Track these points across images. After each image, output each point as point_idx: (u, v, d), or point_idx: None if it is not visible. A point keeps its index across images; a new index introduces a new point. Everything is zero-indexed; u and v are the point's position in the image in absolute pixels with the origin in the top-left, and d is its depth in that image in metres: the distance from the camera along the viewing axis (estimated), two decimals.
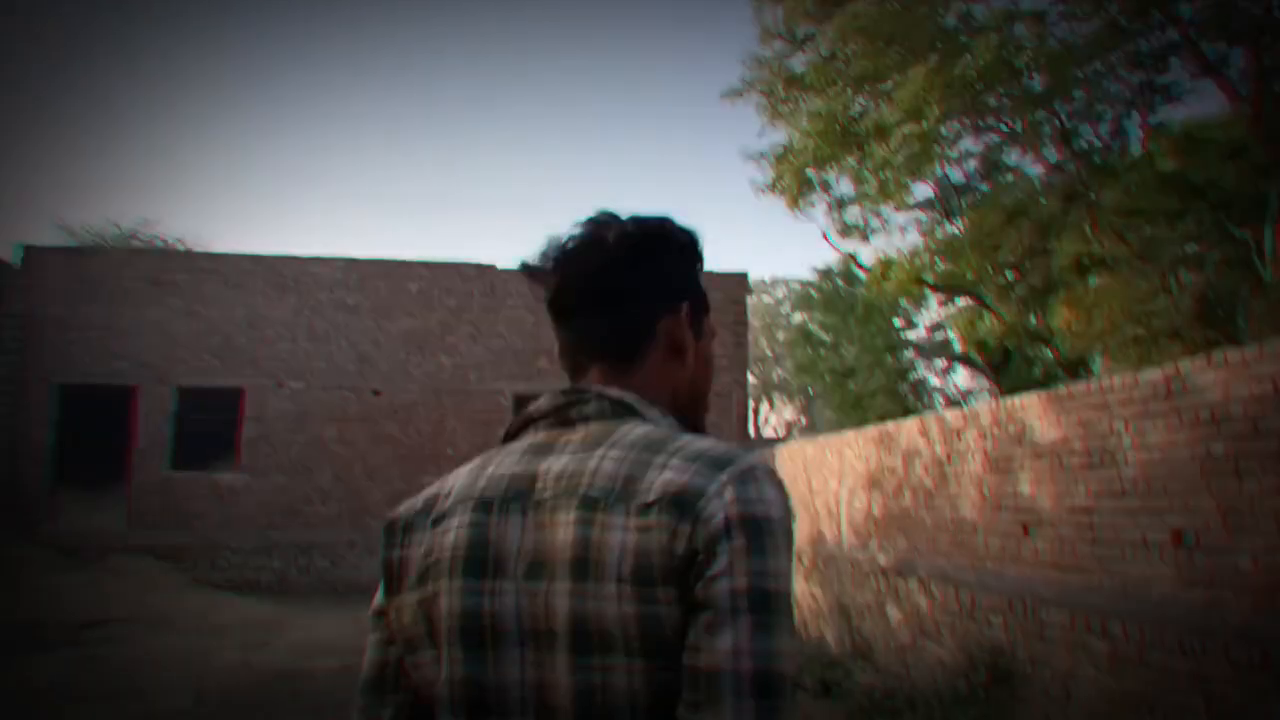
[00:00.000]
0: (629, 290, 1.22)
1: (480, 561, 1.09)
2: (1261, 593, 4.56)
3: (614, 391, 1.17)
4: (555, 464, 1.12)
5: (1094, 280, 13.96)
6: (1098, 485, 5.79)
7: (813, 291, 19.58)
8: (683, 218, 1.33)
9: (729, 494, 1.00)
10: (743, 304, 14.09)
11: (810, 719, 6.92)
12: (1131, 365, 12.58)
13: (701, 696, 0.95)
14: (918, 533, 8.09)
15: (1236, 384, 4.77)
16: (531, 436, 1.18)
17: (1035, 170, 13.84)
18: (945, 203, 13.83)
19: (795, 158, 13.25)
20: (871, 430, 9.38)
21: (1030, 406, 6.68)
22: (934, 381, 19.39)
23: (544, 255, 1.25)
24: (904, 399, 18.75)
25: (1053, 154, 14.66)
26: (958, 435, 7.55)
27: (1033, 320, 14.65)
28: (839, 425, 19.33)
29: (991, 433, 7.08)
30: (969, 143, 13.60)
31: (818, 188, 14.16)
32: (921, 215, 14.54)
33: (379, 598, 1.21)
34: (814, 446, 11.08)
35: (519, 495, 1.11)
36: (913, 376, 19.04)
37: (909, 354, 18.73)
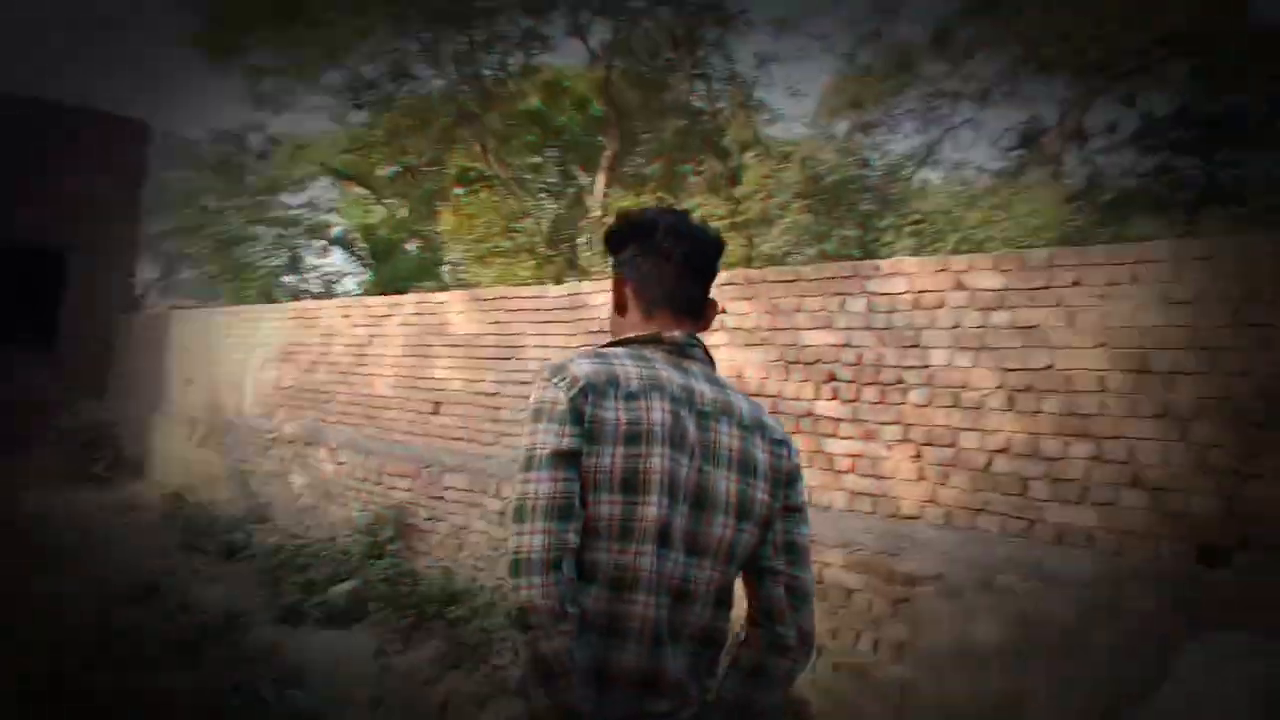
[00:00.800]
0: (715, 274, 1.76)
1: (679, 439, 1.53)
2: None
3: (705, 345, 1.70)
4: (700, 386, 1.61)
5: (474, 194, 15.23)
6: (503, 374, 6.77)
7: (207, 153, 18.09)
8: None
9: (795, 444, 1.75)
10: (142, 154, 12.56)
11: (220, 581, 6.93)
12: (496, 274, 14.11)
13: (796, 558, 1.64)
14: (330, 406, 8.41)
15: None
16: (659, 354, 1.65)
17: (440, 84, 14.58)
18: (358, 94, 13.90)
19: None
20: (293, 306, 9.37)
21: (451, 303, 7.42)
22: (314, 260, 19.38)
23: (679, 222, 1.77)
24: (282, 273, 18.47)
25: (453, 74, 15.44)
26: (380, 320, 8.01)
27: (422, 220, 15.61)
28: (220, 294, 18.34)
29: (413, 321, 7.68)
30: (386, 43, 13.77)
31: (241, 49, 13.16)
32: (335, 101, 14.40)
33: (571, 441, 1.49)
34: (224, 316, 10.66)
35: (689, 401, 1.57)
36: (293, 252, 18.80)
37: (294, 230, 18.42)
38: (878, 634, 4.34)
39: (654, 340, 1.67)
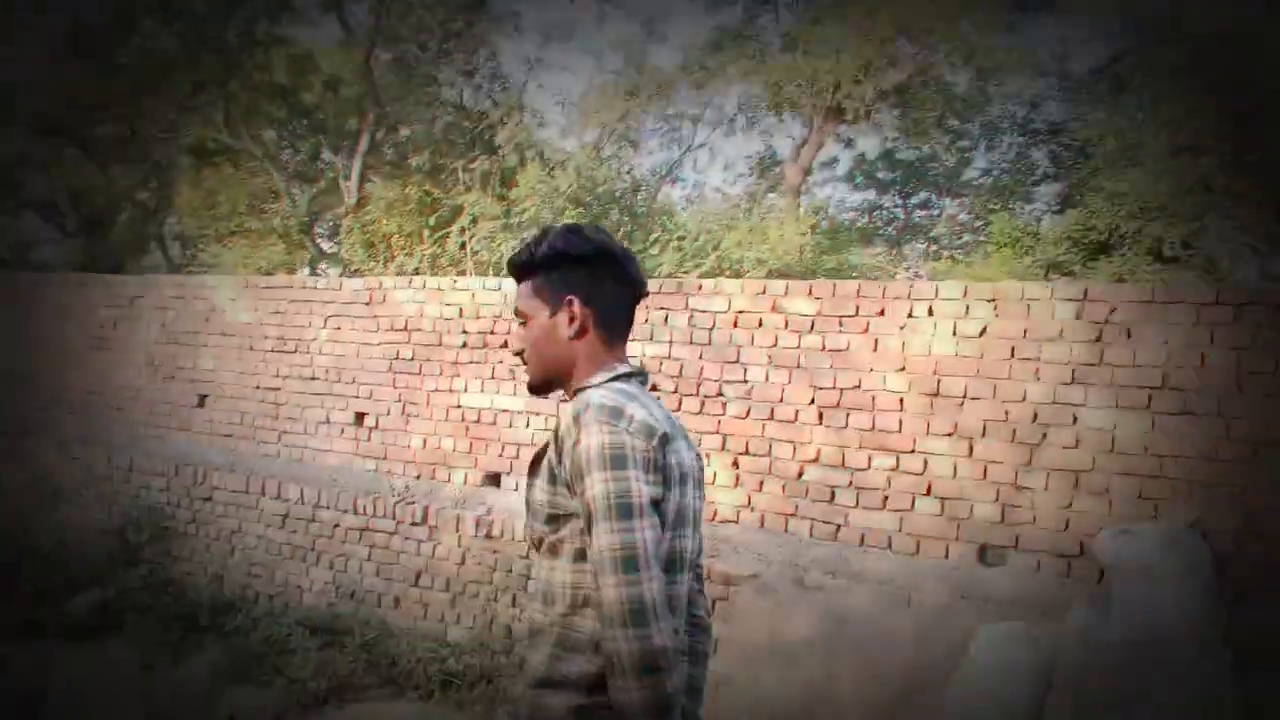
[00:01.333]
0: None
1: (698, 474, 1.65)
2: (423, 464, 5.73)
3: None
4: (673, 417, 1.66)
5: (214, 167, 13.96)
6: (288, 368, 6.30)
7: None
8: None
9: None
10: None
11: None
12: (241, 255, 13.04)
13: (701, 548, 1.75)
14: (63, 396, 7.38)
15: (430, 305, 5.82)
16: (639, 388, 1.65)
17: (176, 44, 13.19)
18: (77, 42, 12.21)
19: None
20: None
21: (222, 287, 6.78)
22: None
23: (625, 250, 1.72)
24: None
25: (190, 36, 14.03)
26: (131, 301, 7.14)
27: (150, 191, 14.01)
28: None
29: (174, 305, 6.93)
30: None
31: None
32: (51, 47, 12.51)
33: (656, 489, 1.50)
34: None
35: (683, 435, 1.63)
36: None
37: None
38: None
39: (638, 374, 1.69)
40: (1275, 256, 12.01)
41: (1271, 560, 3.50)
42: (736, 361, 4.70)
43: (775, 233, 10.18)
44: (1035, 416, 4.01)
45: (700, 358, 4.81)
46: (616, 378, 1.65)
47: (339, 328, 6.15)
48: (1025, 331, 4.06)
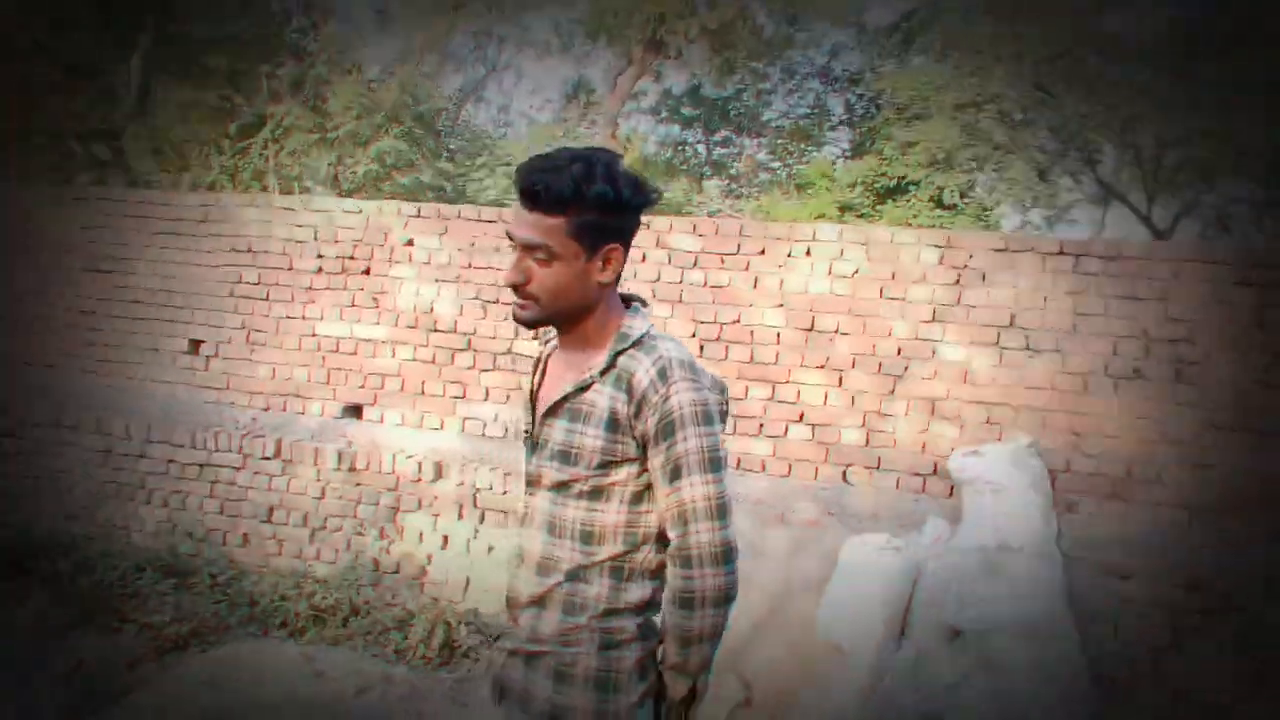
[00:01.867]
0: None
1: None
2: (272, 395, 5.42)
3: None
4: None
5: None
6: (106, 290, 5.70)
7: None
8: None
9: None
10: None
11: None
12: None
13: None
14: None
15: (278, 225, 5.44)
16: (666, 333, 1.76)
17: None
18: None
19: None
20: None
21: (27, 201, 5.98)
22: None
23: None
24: None
25: None
26: None
27: None
28: None
29: None
30: None
31: None
32: None
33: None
34: None
35: None
36: None
37: None
38: None
39: (644, 304, 1.73)
40: (1036, 208, 13.49)
41: (1095, 474, 4.08)
42: None
43: None
44: (899, 351, 4.39)
45: None
46: (641, 318, 1.67)
47: (166, 247, 5.63)
48: (894, 274, 4.41)
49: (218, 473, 5.24)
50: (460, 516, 4.85)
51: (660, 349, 1.60)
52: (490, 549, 4.83)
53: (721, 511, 1.59)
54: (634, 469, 1.61)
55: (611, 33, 13.25)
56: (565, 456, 1.62)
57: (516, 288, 1.61)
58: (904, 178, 13.10)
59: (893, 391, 4.40)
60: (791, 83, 17.00)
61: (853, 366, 4.45)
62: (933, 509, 4.24)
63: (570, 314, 1.64)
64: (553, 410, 1.65)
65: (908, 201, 13.08)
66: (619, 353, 1.61)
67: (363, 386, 5.25)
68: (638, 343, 1.62)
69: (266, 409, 5.42)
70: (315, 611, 4.74)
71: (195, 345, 5.54)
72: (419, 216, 5.13)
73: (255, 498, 5.18)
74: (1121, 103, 11.53)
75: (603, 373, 1.60)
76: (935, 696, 3.76)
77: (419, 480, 4.92)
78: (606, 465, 1.60)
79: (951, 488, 4.27)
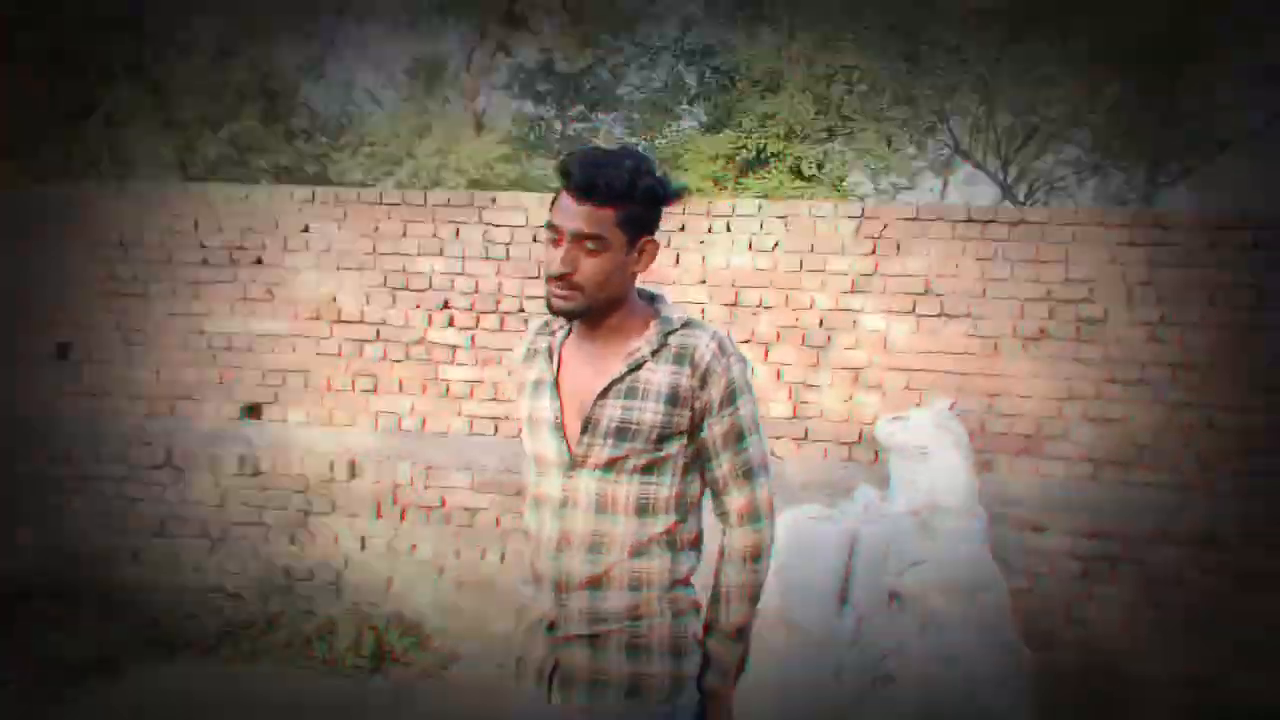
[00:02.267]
0: None
1: None
2: (157, 400, 5.00)
3: None
4: None
5: None
6: None
7: None
8: None
9: None
10: None
11: None
12: None
13: None
14: None
15: (152, 215, 4.99)
16: None
17: None
18: None
19: None
20: None
21: None
22: None
23: None
24: None
25: None
26: None
27: None
28: None
29: None
30: None
31: None
32: None
33: None
34: None
35: None
36: None
37: None
38: (503, 547, 4.56)
39: None
40: (884, 175, 14.09)
41: (1007, 433, 4.31)
42: (538, 277, 4.65)
43: (469, 142, 9.92)
44: (822, 322, 4.48)
45: (498, 273, 4.69)
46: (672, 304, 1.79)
47: (19, 244, 5.06)
48: (812, 246, 4.49)
49: (101, 485, 4.80)
50: (378, 516, 4.63)
51: (709, 327, 1.74)
52: (413, 547, 4.64)
53: (768, 468, 1.77)
54: (684, 441, 1.70)
55: (464, 6, 12.86)
56: (623, 433, 1.67)
57: (562, 277, 1.65)
58: (763, 150, 13.39)
59: (817, 363, 4.49)
60: (645, 57, 17.02)
61: (778, 339, 4.51)
62: (860, 476, 4.36)
63: (608, 303, 1.71)
64: (604, 392, 1.69)
65: (768, 174, 13.39)
66: (669, 333, 1.71)
67: (261, 385, 4.91)
68: (686, 323, 1.73)
69: (150, 414, 4.99)
70: (227, 628, 4.44)
71: (63, 349, 5.02)
72: (313, 202, 4.82)
73: (145, 510, 4.77)
74: (963, 71, 12.17)
75: (654, 352, 1.69)
76: (882, 661, 3.89)
77: (331, 480, 4.66)
78: (663, 439, 1.67)
79: (876, 454, 4.40)
